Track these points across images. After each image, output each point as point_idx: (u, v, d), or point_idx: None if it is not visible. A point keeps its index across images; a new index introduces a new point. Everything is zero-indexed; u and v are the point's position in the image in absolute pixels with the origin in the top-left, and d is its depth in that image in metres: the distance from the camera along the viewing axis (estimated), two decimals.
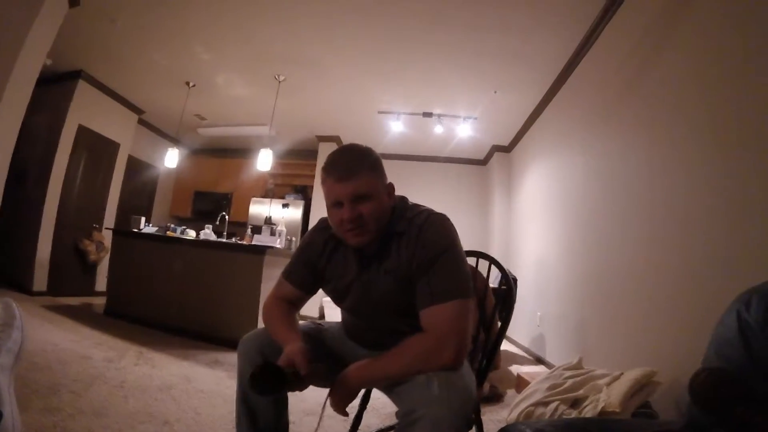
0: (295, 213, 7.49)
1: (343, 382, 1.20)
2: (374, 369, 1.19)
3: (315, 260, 1.43)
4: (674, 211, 2.45)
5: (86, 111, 5.71)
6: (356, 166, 1.23)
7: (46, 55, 3.55)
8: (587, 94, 3.95)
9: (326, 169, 1.26)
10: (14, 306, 1.34)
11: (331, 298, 1.45)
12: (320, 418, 1.32)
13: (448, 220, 1.31)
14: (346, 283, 1.37)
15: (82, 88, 5.59)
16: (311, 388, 1.30)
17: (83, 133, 5.70)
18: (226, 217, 5.85)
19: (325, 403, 1.28)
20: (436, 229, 1.26)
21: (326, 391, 1.24)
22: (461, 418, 1.00)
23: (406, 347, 1.17)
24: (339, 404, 1.19)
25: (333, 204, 1.26)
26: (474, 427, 1.49)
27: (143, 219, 5.17)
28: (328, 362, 1.29)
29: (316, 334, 1.49)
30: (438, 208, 1.34)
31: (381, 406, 2.63)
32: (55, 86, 5.49)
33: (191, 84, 5.64)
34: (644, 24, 2.98)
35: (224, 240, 4.92)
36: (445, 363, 1.11)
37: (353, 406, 1.29)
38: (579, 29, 3.76)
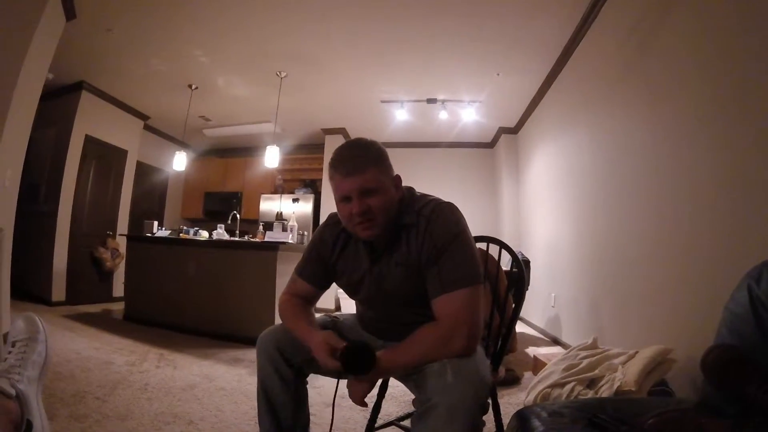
0: (305, 207, 7.51)
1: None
2: (388, 359, 1.21)
3: (326, 256, 1.45)
4: (682, 188, 2.43)
5: (92, 121, 5.76)
6: (362, 161, 1.24)
7: (47, 69, 3.58)
8: (589, 73, 3.91)
9: (333, 165, 1.28)
10: (37, 320, 1.39)
11: (345, 291, 1.48)
12: (332, 414, 1.34)
13: (456, 208, 1.32)
14: (358, 277, 1.39)
15: (86, 98, 5.63)
16: (328, 380, 1.33)
17: (90, 143, 5.76)
18: (238, 215, 5.88)
19: (335, 397, 1.32)
20: (444, 218, 1.28)
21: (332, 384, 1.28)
22: (475, 405, 1.03)
23: (419, 337, 1.19)
24: (357, 395, 1.21)
25: (341, 199, 1.27)
26: (491, 411, 1.51)
27: (156, 223, 5.24)
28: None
29: (332, 326, 1.51)
30: (446, 192, 1.36)
31: (400, 393, 2.66)
32: (58, 99, 5.54)
33: (194, 86, 5.65)
34: (641, 3, 2.95)
35: (237, 239, 4.96)
36: (458, 350, 1.14)
37: (372, 396, 1.32)
38: (577, 10, 3.72)
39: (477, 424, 1.02)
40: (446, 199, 1.35)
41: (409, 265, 1.29)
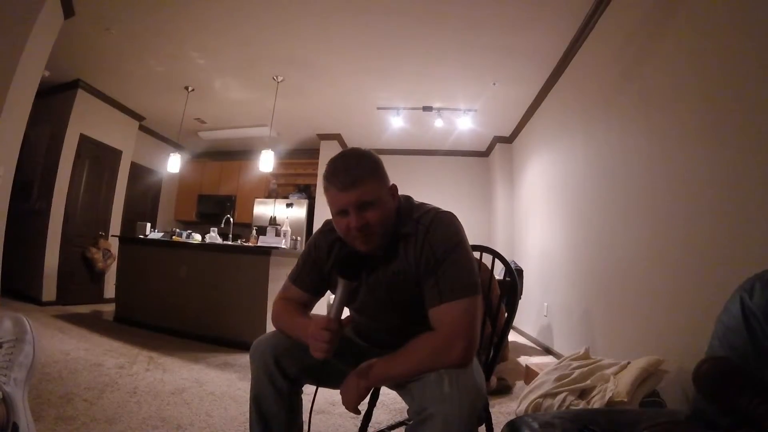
0: (299, 212, 7.50)
1: (354, 381, 1.21)
2: (385, 368, 1.20)
3: (321, 263, 1.42)
4: (676, 198, 2.44)
5: (87, 120, 5.74)
6: (358, 174, 1.21)
7: (44, 67, 3.57)
8: (585, 84, 3.93)
9: (328, 178, 1.24)
10: (25, 321, 1.37)
11: None
12: (309, 418, 1.32)
13: (455, 218, 1.31)
14: (353, 286, 1.38)
15: (82, 97, 5.61)
16: (323, 389, 1.32)
17: (85, 142, 5.73)
18: (231, 219, 5.86)
19: (313, 401, 1.31)
20: (444, 228, 1.26)
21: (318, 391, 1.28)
22: (471, 416, 1.02)
23: (416, 346, 1.18)
24: (351, 403, 1.20)
25: (338, 212, 1.24)
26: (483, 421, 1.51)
27: (148, 225, 5.21)
28: (338, 361, 1.30)
29: None
30: (441, 201, 1.34)
31: (391, 401, 2.64)
32: (54, 97, 5.53)
33: (190, 89, 5.65)
34: (639, 14, 2.97)
35: (230, 243, 4.94)
36: (455, 361, 1.12)
37: (363, 404, 1.31)
38: (573, 21, 3.76)
39: None
40: (441, 208, 1.33)
41: (407, 275, 1.27)
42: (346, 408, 1.21)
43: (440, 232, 1.25)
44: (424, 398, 1.06)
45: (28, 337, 1.33)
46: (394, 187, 1.32)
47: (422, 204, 1.37)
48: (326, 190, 1.26)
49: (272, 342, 1.34)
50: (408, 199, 1.37)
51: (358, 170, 1.22)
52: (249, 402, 1.36)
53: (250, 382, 1.38)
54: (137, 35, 4.41)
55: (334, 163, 1.26)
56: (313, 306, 1.50)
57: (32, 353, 1.32)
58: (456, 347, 1.13)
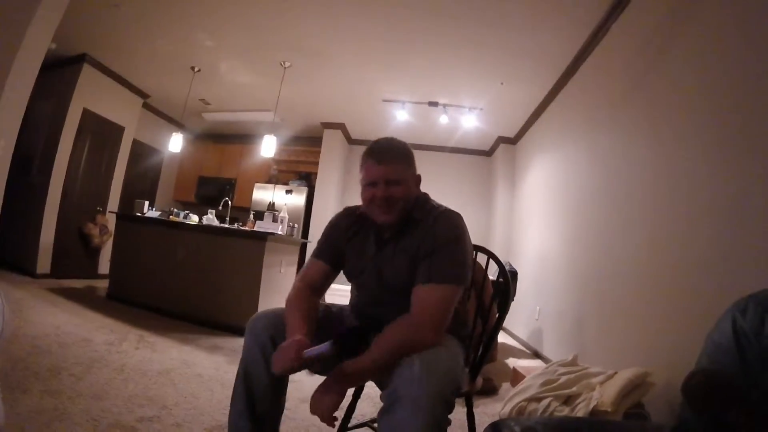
0: (298, 199, 7.49)
1: (332, 385, 1.21)
2: (360, 361, 1.22)
3: (339, 240, 1.57)
4: (676, 211, 2.44)
5: (91, 95, 5.70)
6: (394, 154, 1.43)
7: (50, 39, 3.53)
8: (593, 90, 3.92)
9: (368, 152, 1.44)
10: None
11: (347, 275, 1.57)
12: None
13: (461, 219, 1.44)
14: (363, 262, 1.49)
15: (87, 72, 5.58)
16: (307, 376, 1.33)
17: (88, 116, 5.70)
18: (229, 202, 5.86)
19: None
20: (450, 221, 1.40)
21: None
22: (439, 399, 1.05)
23: (389, 329, 1.24)
24: (325, 410, 1.17)
25: (368, 183, 1.41)
26: (466, 420, 1.54)
27: (147, 203, 5.19)
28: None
29: (324, 314, 1.55)
30: (441, 197, 1.52)
31: (375, 394, 2.64)
32: (59, 70, 5.48)
33: (196, 69, 5.62)
34: (651, 24, 2.96)
35: (226, 225, 4.93)
36: (425, 337, 1.20)
37: (347, 399, 1.31)
38: (584, 28, 3.75)
39: (439, 419, 1.04)
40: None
41: (410, 255, 1.39)
42: (320, 417, 1.18)
43: (445, 224, 1.39)
44: (395, 381, 1.09)
45: None
46: (419, 177, 1.52)
47: (436, 201, 1.53)
48: (363, 163, 1.44)
49: (271, 318, 1.41)
50: (425, 194, 1.55)
51: (394, 152, 1.44)
52: (235, 377, 1.39)
53: (238, 365, 1.40)
54: (146, 13, 4.38)
55: (376, 142, 1.47)
56: (331, 281, 1.59)
57: (1, 323, 1.25)
58: (425, 326, 1.22)
